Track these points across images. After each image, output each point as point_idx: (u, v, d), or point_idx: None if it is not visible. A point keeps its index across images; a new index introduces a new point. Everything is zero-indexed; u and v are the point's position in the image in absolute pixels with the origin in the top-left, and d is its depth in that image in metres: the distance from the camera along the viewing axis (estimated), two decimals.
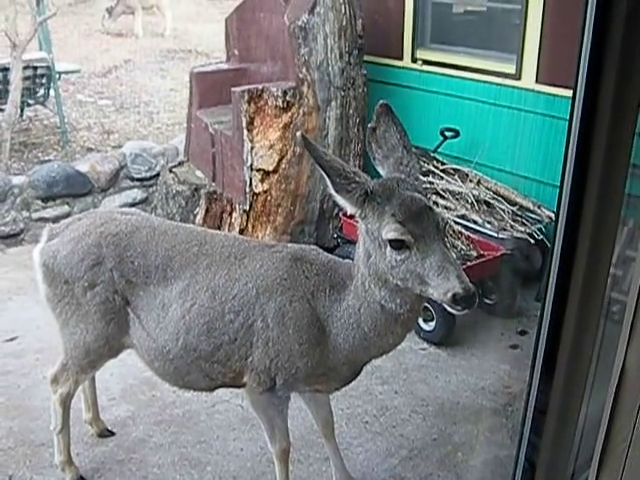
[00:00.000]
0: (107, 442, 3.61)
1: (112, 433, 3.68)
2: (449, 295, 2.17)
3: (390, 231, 2.24)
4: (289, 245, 2.84)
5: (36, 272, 2.97)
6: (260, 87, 5.11)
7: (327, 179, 2.25)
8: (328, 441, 3.27)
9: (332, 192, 2.29)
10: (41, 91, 9.63)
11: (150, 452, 3.56)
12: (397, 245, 2.24)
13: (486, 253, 4.61)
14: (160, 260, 2.80)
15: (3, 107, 8.06)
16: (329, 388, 2.90)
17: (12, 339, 4.59)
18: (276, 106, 5.06)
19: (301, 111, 5.15)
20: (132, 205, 6.75)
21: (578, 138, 1.43)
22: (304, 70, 5.15)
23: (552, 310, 1.62)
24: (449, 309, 2.24)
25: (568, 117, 1.43)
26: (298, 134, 2.35)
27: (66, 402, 3.21)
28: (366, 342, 2.56)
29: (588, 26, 1.35)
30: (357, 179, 2.28)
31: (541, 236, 4.78)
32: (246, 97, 5.01)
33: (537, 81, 5.04)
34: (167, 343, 2.77)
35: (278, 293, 2.61)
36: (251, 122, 5.05)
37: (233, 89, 5.14)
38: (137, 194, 6.91)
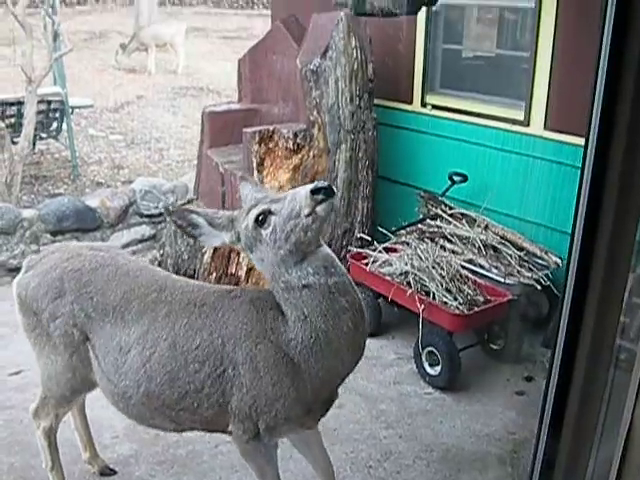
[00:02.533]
0: None
1: (114, 472, 3.66)
2: (307, 195, 2.38)
3: (250, 217, 2.51)
4: (246, 289, 2.92)
5: (15, 303, 3.08)
6: (271, 128, 5.16)
7: (196, 239, 2.67)
8: None
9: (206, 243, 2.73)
10: (54, 125, 9.77)
11: None
12: (263, 219, 2.48)
13: (493, 298, 4.61)
14: (118, 301, 2.83)
15: (16, 140, 8.17)
16: (313, 419, 2.87)
17: (17, 373, 4.60)
18: (287, 148, 5.11)
19: (311, 153, 5.20)
20: (140, 242, 6.80)
21: (590, 185, 1.45)
22: (315, 113, 5.21)
23: (562, 359, 1.63)
24: (314, 207, 2.40)
25: (577, 164, 1.45)
26: (163, 209, 2.66)
27: (50, 437, 3.23)
28: (328, 339, 2.54)
29: (601, 75, 1.37)
30: (218, 221, 2.64)
31: (548, 282, 4.77)
32: (257, 138, 5.06)
33: (545, 128, 5.08)
34: (128, 389, 2.78)
35: (243, 339, 2.61)
36: (261, 163, 5.10)
37: (244, 130, 5.20)
38: (146, 230, 6.95)
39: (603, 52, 1.37)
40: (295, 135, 5.14)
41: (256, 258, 2.61)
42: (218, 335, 2.65)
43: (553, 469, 1.64)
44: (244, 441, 2.76)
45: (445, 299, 4.52)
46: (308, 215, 2.39)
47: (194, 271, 5.59)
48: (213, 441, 3.89)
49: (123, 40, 17.69)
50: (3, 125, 7.78)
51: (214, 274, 5.34)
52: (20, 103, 8.72)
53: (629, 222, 1.46)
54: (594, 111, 1.42)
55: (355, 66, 5.31)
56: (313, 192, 2.37)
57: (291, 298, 2.53)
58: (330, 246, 5.37)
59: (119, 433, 3.99)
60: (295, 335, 2.55)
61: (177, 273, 5.37)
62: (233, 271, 5.27)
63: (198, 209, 2.69)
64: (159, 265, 5.87)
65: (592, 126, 1.42)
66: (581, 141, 1.51)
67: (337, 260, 2.61)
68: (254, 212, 2.50)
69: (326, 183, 2.39)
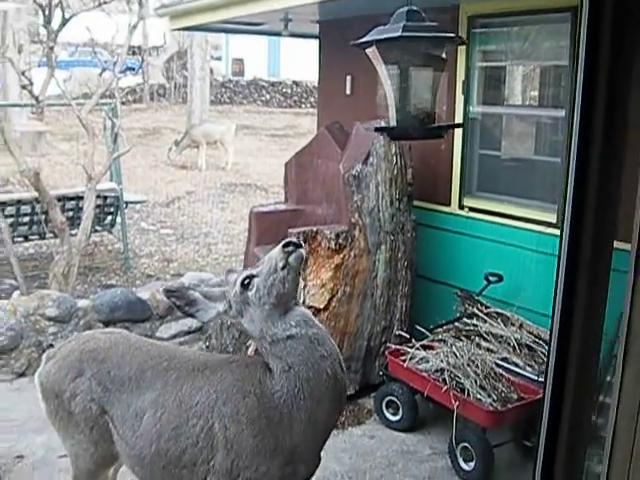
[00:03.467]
0: None
1: None
2: (280, 250, 2.85)
3: (237, 283, 2.94)
4: (243, 356, 3.28)
5: (38, 394, 3.39)
6: (315, 229, 5.47)
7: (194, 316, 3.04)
8: None
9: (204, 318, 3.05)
10: (108, 218, 10.24)
11: None
12: (248, 282, 2.91)
13: (526, 396, 4.74)
14: (134, 372, 3.16)
15: (74, 232, 8.60)
16: None
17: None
18: (329, 248, 5.40)
19: (352, 253, 5.48)
20: (187, 333, 7.06)
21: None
22: (356, 215, 5.51)
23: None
24: (287, 259, 2.85)
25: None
26: (161, 290, 3.16)
27: None
28: (310, 387, 2.84)
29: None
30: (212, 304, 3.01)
31: None
32: (301, 238, 5.36)
33: None
34: (142, 450, 3.05)
35: (233, 393, 2.93)
36: (305, 262, 5.38)
37: (289, 230, 5.51)
38: (192, 323, 7.21)
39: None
40: (337, 236, 5.43)
41: (246, 321, 2.96)
42: (214, 391, 2.97)
43: None
44: None
45: (479, 396, 4.66)
46: (283, 267, 2.82)
47: None
48: None
49: (176, 137, 18.48)
50: (64, 219, 8.23)
51: None
52: (79, 198, 9.20)
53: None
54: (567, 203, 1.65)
55: (395, 171, 5.64)
56: (284, 246, 2.83)
57: (277, 351, 2.87)
58: (369, 342, 5.63)
59: None
60: (280, 386, 2.86)
61: None
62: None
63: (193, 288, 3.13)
64: None
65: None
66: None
67: (312, 316, 3.01)
68: (239, 278, 2.93)
69: (294, 238, 2.97)
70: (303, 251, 2.88)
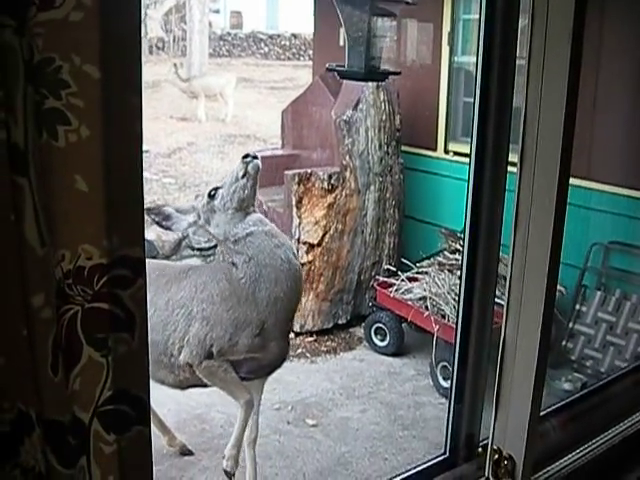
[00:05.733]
0: (163, 462, 4.26)
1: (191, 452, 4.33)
2: (240, 162, 3.49)
3: (205, 195, 3.55)
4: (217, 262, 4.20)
5: None
6: (309, 171, 5.90)
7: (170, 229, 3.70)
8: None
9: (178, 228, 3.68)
10: None
11: (198, 473, 4.20)
12: (214, 193, 3.48)
13: (498, 320, 5.20)
14: None
15: None
16: (273, 351, 3.58)
17: None
18: (322, 188, 5.83)
19: (344, 193, 5.92)
20: None
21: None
22: (347, 158, 5.94)
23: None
24: (246, 168, 3.47)
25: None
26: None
27: None
28: (268, 271, 3.40)
29: None
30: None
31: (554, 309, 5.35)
32: (296, 179, 5.79)
33: None
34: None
35: (208, 282, 3.53)
36: (300, 201, 5.82)
37: (285, 172, 5.94)
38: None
39: None
40: (329, 177, 5.86)
41: (213, 227, 3.50)
42: (194, 285, 3.54)
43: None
44: (198, 364, 3.48)
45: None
46: (243, 176, 3.41)
47: None
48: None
49: (175, 89, 18.71)
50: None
51: None
52: None
53: None
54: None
55: (383, 117, 6.05)
56: (243, 157, 3.49)
57: (239, 248, 3.42)
58: (360, 276, 6.10)
59: (171, 427, 4.65)
60: (244, 274, 3.42)
61: None
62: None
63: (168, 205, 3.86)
64: None
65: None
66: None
67: (265, 219, 3.69)
68: (207, 191, 3.53)
69: (251, 152, 3.58)
70: (259, 162, 3.50)
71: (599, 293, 5.51)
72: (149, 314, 3.24)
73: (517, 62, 2.00)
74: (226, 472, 3.65)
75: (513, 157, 2.03)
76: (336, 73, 3.83)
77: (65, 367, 0.89)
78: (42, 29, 0.79)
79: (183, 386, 3.76)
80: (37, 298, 0.83)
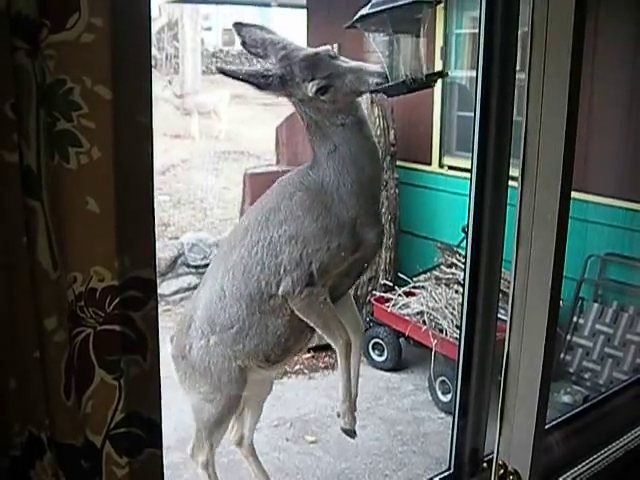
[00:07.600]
0: None
1: None
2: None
3: (311, 88, 2.51)
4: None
5: None
6: None
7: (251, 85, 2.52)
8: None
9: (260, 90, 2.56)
10: None
11: None
12: (324, 91, 2.52)
13: (498, 334, 5.20)
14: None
15: None
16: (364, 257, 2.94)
17: None
18: None
19: None
20: (187, 290, 7.50)
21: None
22: None
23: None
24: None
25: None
26: (218, 66, 2.85)
27: (208, 468, 3.39)
28: (354, 161, 2.71)
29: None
30: (268, 73, 2.54)
31: None
32: None
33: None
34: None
35: (279, 202, 2.82)
36: None
37: None
38: (192, 280, 7.66)
39: None
40: None
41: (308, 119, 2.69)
42: (264, 215, 2.83)
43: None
44: (298, 293, 2.85)
45: (455, 334, 5.13)
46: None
47: None
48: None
49: (169, 107, 18.73)
50: None
51: None
52: None
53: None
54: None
55: (378, 132, 6.05)
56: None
57: (325, 132, 2.67)
58: (357, 291, 6.08)
59: (171, 444, 4.62)
60: (326, 168, 2.71)
61: None
62: None
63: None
64: None
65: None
66: None
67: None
68: (314, 86, 2.54)
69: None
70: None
71: (596, 305, 5.52)
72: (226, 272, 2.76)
73: (517, 76, 1.99)
74: (345, 431, 3.08)
75: (514, 171, 2.02)
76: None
77: (77, 390, 0.88)
78: (54, 51, 0.79)
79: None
80: (50, 321, 0.82)
